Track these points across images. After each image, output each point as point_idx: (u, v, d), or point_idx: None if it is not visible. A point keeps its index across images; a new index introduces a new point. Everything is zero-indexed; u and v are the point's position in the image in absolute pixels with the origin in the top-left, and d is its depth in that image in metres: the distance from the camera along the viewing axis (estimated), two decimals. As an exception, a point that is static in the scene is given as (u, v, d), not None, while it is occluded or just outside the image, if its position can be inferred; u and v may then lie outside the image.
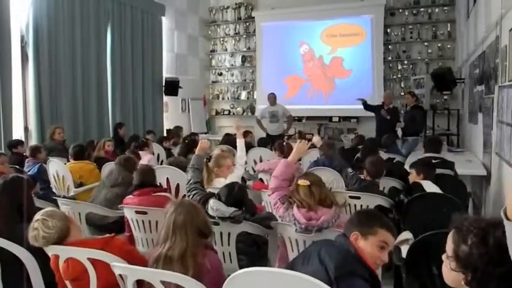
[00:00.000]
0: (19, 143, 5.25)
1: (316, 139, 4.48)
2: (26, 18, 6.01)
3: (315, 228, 2.42)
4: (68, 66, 6.61)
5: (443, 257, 1.35)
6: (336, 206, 2.56)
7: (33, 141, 5.97)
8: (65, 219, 2.09)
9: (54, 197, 3.08)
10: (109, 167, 4.63)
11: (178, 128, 8.17)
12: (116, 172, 3.86)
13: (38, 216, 2.06)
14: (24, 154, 5.00)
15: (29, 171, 4.50)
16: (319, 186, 2.59)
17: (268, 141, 6.58)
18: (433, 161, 3.86)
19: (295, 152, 2.97)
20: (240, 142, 3.82)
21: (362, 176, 3.66)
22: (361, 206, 3.36)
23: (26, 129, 6.15)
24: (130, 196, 3.26)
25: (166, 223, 1.96)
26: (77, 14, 6.77)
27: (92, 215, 3.48)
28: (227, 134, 6.92)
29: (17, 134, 5.89)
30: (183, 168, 3.85)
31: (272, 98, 7.82)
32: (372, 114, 7.58)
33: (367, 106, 7.48)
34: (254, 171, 5.23)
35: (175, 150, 6.29)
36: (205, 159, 3.45)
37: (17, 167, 4.50)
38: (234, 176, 3.46)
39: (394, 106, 7.32)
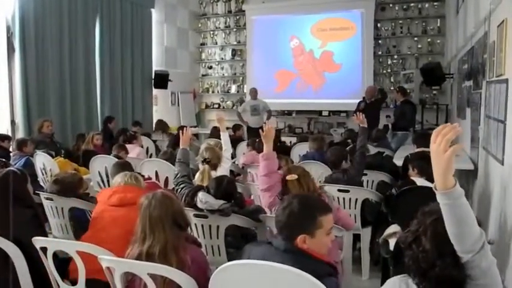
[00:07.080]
0: (6, 137, 5.15)
1: None
2: (12, 8, 5.87)
3: None
4: (55, 58, 6.49)
5: None
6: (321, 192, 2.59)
7: (20, 134, 5.87)
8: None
9: (36, 191, 2.97)
10: (99, 160, 4.59)
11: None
12: None
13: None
14: (10, 150, 4.92)
15: (15, 164, 4.43)
16: (305, 176, 2.61)
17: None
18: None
19: (265, 141, 2.80)
20: (224, 136, 3.74)
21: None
22: (350, 199, 3.38)
23: (13, 122, 6.04)
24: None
25: (141, 219, 1.92)
26: (65, 4, 6.64)
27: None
28: (215, 127, 6.83)
29: (3, 127, 5.79)
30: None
31: (254, 92, 8.11)
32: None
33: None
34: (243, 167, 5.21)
35: (164, 144, 6.25)
36: (201, 161, 3.36)
37: (4, 160, 4.42)
38: (223, 170, 3.45)
39: (376, 99, 7.35)
